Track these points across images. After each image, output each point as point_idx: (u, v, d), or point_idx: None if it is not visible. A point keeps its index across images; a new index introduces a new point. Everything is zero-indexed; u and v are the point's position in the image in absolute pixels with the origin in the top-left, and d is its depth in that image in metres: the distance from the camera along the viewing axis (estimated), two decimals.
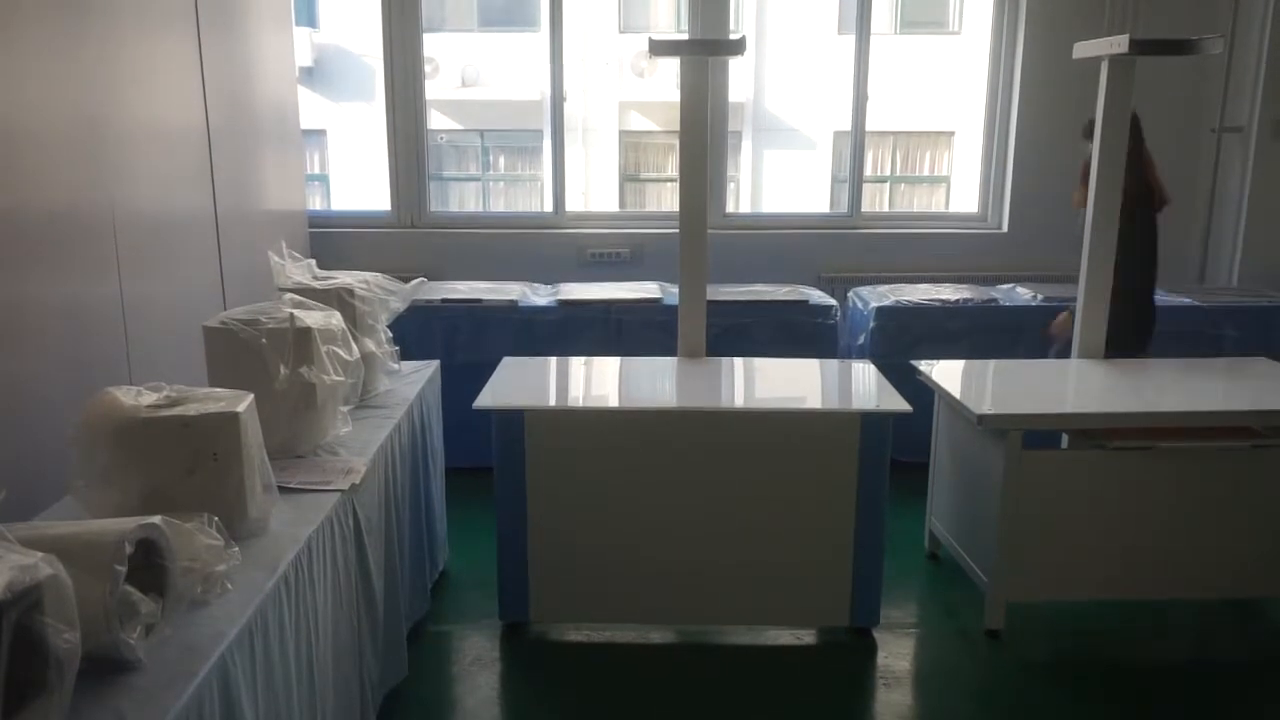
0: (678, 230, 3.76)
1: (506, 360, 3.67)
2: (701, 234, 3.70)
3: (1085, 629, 3.40)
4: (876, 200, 10.74)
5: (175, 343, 3.21)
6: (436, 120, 11.06)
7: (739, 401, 3.54)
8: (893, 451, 3.11)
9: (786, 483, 3.11)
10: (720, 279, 4.89)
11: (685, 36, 5.69)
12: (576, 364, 3.81)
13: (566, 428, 3.15)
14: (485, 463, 3.19)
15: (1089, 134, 3.85)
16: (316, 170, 11.00)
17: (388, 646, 2.69)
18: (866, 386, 3.44)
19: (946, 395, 3.40)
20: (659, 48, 3.57)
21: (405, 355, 3.37)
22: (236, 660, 1.64)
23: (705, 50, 3.64)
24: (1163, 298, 4.86)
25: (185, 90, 3.75)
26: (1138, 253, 3.89)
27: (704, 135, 3.60)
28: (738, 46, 3.58)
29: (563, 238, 5.50)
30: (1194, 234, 5.56)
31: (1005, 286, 5.15)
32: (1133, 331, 3.97)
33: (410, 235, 5.49)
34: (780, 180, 10.89)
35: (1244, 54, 5.25)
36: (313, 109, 10.42)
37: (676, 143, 3.67)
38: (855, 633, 3.25)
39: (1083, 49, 3.72)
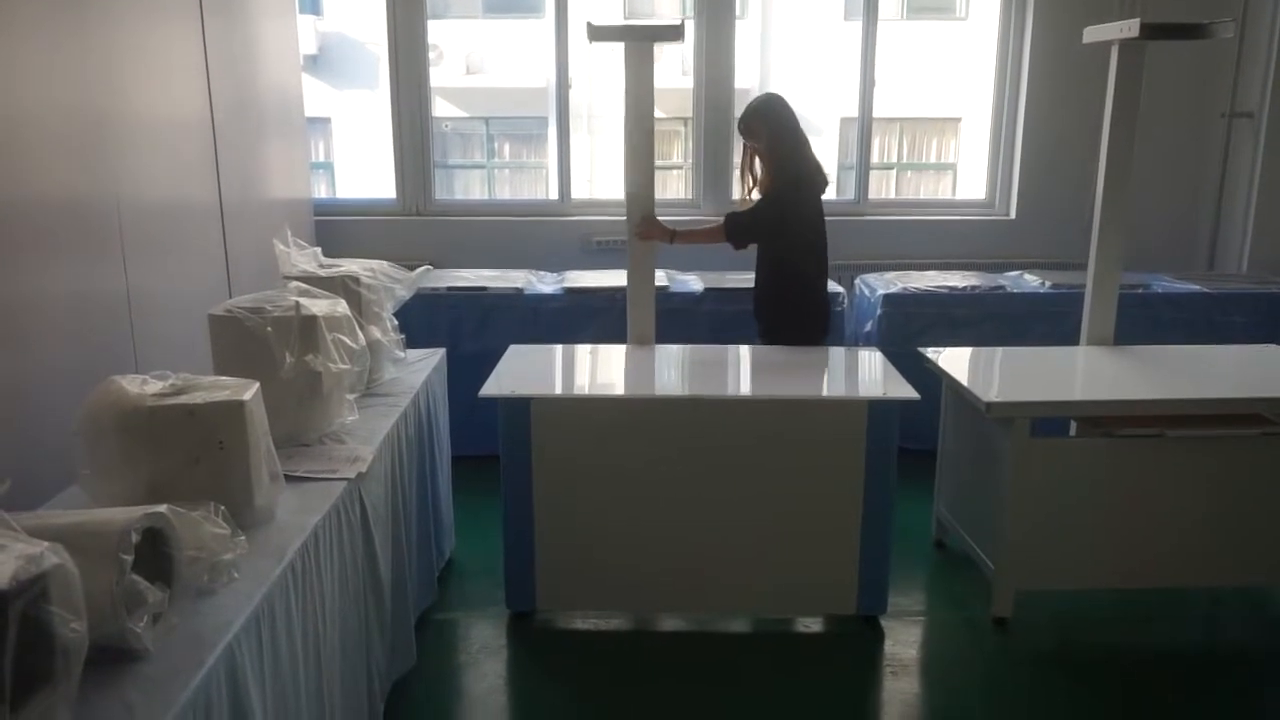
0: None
1: (512, 348, 3.66)
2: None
3: (1093, 617, 3.39)
4: (883, 187, 10.68)
5: (181, 331, 3.20)
6: (441, 108, 11.00)
7: (745, 390, 3.53)
8: (900, 439, 3.10)
9: (793, 471, 3.10)
10: (726, 266, 4.88)
11: (692, 22, 5.65)
12: (582, 352, 3.80)
13: (573, 416, 3.14)
14: (491, 451, 3.19)
15: (746, 130, 3.70)
16: (321, 158, 10.97)
17: (395, 635, 2.70)
18: (873, 374, 3.42)
19: (954, 383, 3.39)
20: (598, 33, 3.51)
21: (411, 343, 3.36)
22: (244, 649, 1.64)
23: (646, 36, 3.59)
24: (1171, 285, 4.86)
25: (189, 79, 3.73)
26: (801, 236, 3.68)
27: (650, 121, 3.58)
28: (676, 33, 3.54)
29: (568, 225, 5.49)
30: (1203, 220, 5.53)
31: (1013, 273, 5.12)
32: (800, 325, 3.77)
33: (415, 223, 5.48)
34: None
35: (1255, 38, 5.21)
36: (317, 97, 10.36)
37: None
38: (862, 621, 3.25)
39: (1093, 34, 3.69)
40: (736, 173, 5.60)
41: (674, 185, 11.62)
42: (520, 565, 3.19)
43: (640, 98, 3.55)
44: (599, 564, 3.19)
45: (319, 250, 3.09)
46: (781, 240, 3.68)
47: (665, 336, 4.40)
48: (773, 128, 3.65)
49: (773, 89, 3.73)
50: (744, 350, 3.79)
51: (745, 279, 4.74)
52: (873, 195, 5.79)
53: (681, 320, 4.59)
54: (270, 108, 4.61)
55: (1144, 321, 4.54)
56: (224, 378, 2.11)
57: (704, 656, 3.14)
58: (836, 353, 3.77)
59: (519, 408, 3.08)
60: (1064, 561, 3.23)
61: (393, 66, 5.37)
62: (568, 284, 4.76)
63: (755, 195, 3.76)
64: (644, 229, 3.68)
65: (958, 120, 10.87)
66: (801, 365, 3.65)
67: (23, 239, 2.66)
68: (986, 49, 5.68)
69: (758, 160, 3.75)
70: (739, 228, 3.66)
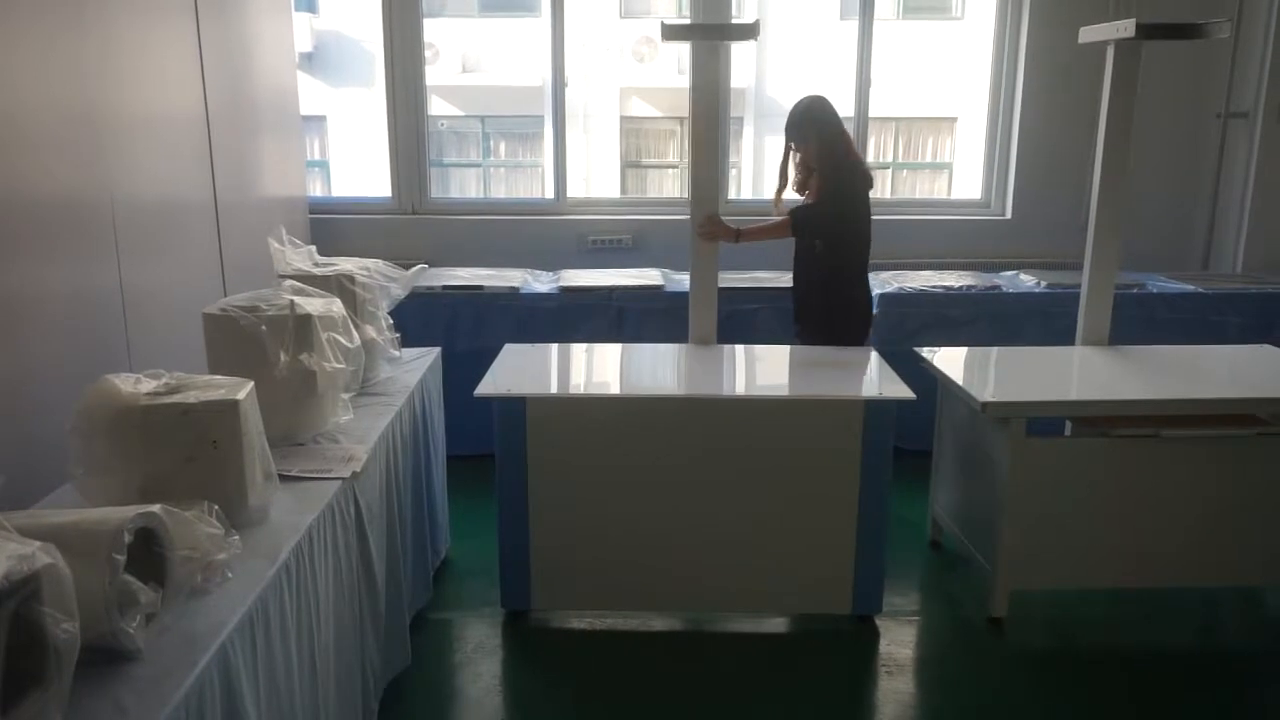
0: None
1: (508, 347, 3.66)
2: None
3: (1088, 617, 3.40)
4: (879, 187, 10.67)
5: (175, 330, 3.19)
6: (437, 106, 11.00)
7: (741, 389, 3.53)
8: (896, 439, 3.10)
9: (789, 470, 3.10)
10: (722, 265, 4.86)
11: (688, 21, 5.66)
12: (578, 351, 3.80)
13: (568, 415, 3.13)
14: (487, 450, 3.18)
15: (796, 134, 3.73)
16: (317, 156, 10.95)
17: (390, 635, 2.69)
18: (869, 374, 3.42)
19: (950, 383, 3.39)
20: (671, 32, 3.54)
21: (406, 342, 3.35)
22: (237, 649, 1.63)
23: (718, 35, 3.60)
24: (1166, 284, 4.86)
25: (184, 77, 3.72)
26: (859, 234, 3.76)
27: (716, 121, 3.60)
28: (751, 31, 3.54)
29: (564, 224, 5.48)
30: (1198, 220, 5.54)
31: (1009, 273, 5.13)
32: (846, 322, 3.83)
33: (411, 221, 5.47)
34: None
35: (1250, 38, 5.21)
36: (313, 95, 10.36)
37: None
38: (858, 620, 3.25)
39: (1089, 34, 3.69)
40: (732, 172, 5.61)
41: (670, 184, 11.63)
42: (515, 564, 3.18)
43: (706, 97, 3.55)
44: (594, 563, 3.18)
45: (314, 249, 3.08)
46: (842, 237, 3.73)
47: (662, 335, 4.41)
48: (822, 130, 3.70)
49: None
50: (740, 349, 3.79)
51: (741, 278, 4.76)
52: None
53: (678, 319, 4.58)
54: (265, 106, 4.60)
55: (1139, 321, 4.54)
56: (218, 377, 2.10)
57: (699, 656, 3.14)
58: (832, 352, 3.77)
59: (514, 407, 3.07)
60: (1059, 561, 3.23)
61: (388, 65, 5.36)
62: (563, 283, 4.75)
63: (793, 195, 3.81)
64: (707, 229, 3.71)
65: (953, 120, 10.89)
66: (798, 365, 3.65)
67: (16, 236, 2.65)
68: (982, 48, 5.68)
69: (793, 161, 3.80)
70: (806, 222, 3.71)
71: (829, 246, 3.75)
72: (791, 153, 3.81)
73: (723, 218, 3.75)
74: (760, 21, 3.54)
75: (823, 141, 3.70)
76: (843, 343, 3.74)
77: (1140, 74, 3.61)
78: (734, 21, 3.66)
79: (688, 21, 5.43)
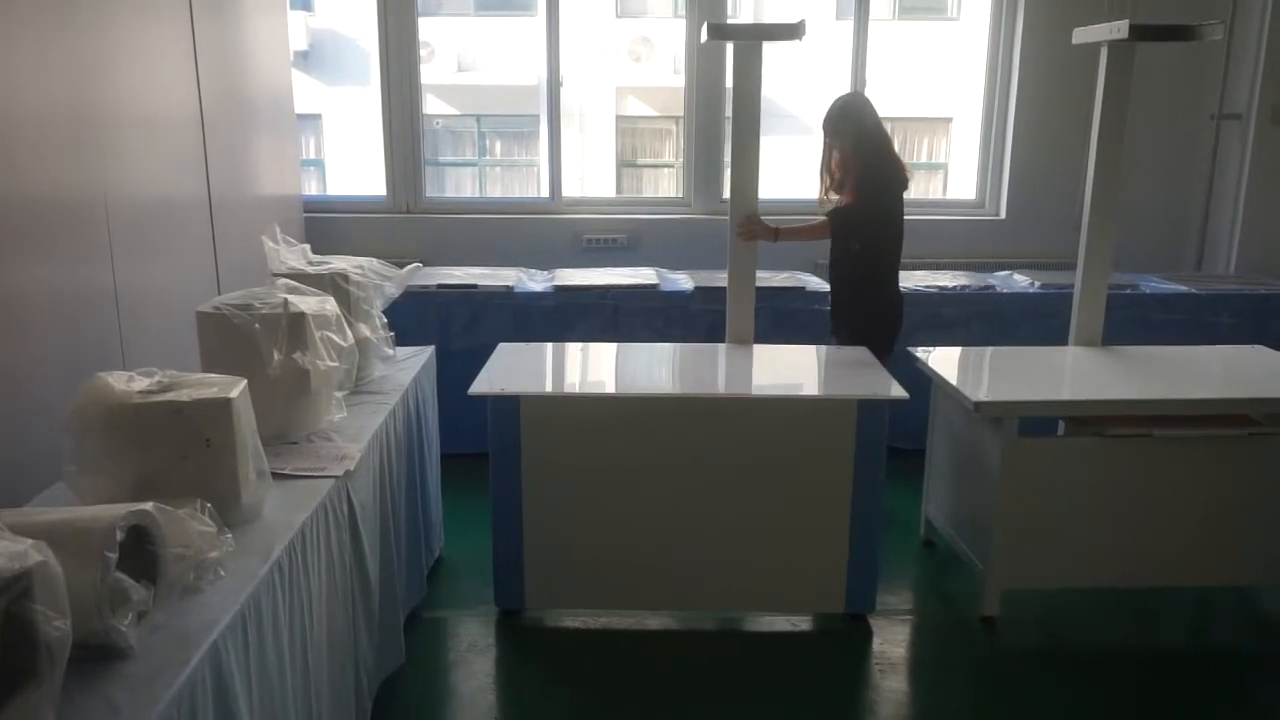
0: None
1: (502, 346, 3.66)
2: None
3: (1080, 617, 3.40)
4: None
5: (169, 328, 3.19)
6: (432, 105, 10.99)
7: (735, 388, 3.53)
8: (889, 438, 3.10)
9: (783, 469, 3.10)
10: (718, 265, 4.88)
11: (684, 20, 5.67)
12: (573, 350, 3.80)
13: (562, 414, 3.13)
14: (481, 449, 3.18)
15: (832, 131, 3.77)
16: (312, 155, 10.93)
17: (383, 633, 2.69)
18: (863, 373, 3.43)
19: (943, 382, 3.39)
20: (716, 31, 3.56)
21: (401, 341, 3.35)
22: (229, 648, 1.63)
23: (763, 35, 3.60)
24: (1159, 285, 4.88)
25: (179, 75, 3.71)
26: (893, 233, 3.79)
27: (756, 121, 3.59)
28: (796, 31, 3.52)
29: (559, 223, 5.48)
30: (1191, 221, 5.55)
31: (1003, 273, 5.14)
32: (878, 321, 3.84)
33: (406, 220, 5.47)
34: (777, 166, 10.84)
35: (1243, 40, 5.23)
36: (308, 93, 10.35)
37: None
38: (851, 619, 3.25)
39: (1083, 35, 3.70)
40: (727, 171, 5.61)
41: (665, 184, 11.63)
42: (509, 563, 3.18)
43: (746, 97, 3.56)
44: (588, 563, 3.18)
45: (308, 247, 3.08)
46: (877, 236, 3.74)
47: (657, 334, 4.41)
48: (858, 127, 3.72)
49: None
50: (734, 349, 3.79)
51: None
52: None
53: (673, 319, 4.59)
54: (260, 104, 4.59)
55: (1132, 321, 4.56)
56: (211, 375, 2.10)
57: (692, 655, 3.14)
58: (826, 351, 3.78)
59: (508, 406, 3.07)
60: (1052, 561, 3.24)
61: (384, 63, 5.36)
62: (558, 282, 4.76)
63: (832, 195, 3.82)
64: (746, 228, 3.71)
65: (949, 120, 10.89)
66: (791, 364, 3.65)
67: (10, 235, 2.65)
68: (977, 49, 5.69)
69: (833, 160, 3.81)
70: (846, 224, 3.73)
71: (866, 248, 3.76)
72: (828, 149, 3.83)
73: (765, 217, 3.74)
74: (805, 22, 3.51)
75: (858, 140, 3.71)
76: (872, 345, 3.69)
77: (1134, 75, 3.62)
78: (779, 22, 3.60)
79: (689, 20, 5.42)
